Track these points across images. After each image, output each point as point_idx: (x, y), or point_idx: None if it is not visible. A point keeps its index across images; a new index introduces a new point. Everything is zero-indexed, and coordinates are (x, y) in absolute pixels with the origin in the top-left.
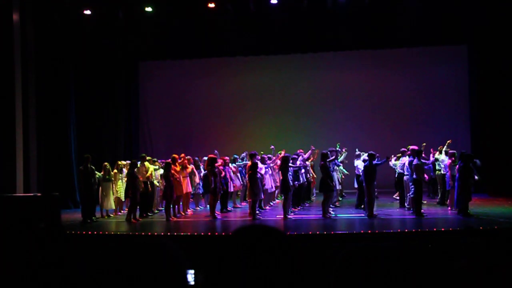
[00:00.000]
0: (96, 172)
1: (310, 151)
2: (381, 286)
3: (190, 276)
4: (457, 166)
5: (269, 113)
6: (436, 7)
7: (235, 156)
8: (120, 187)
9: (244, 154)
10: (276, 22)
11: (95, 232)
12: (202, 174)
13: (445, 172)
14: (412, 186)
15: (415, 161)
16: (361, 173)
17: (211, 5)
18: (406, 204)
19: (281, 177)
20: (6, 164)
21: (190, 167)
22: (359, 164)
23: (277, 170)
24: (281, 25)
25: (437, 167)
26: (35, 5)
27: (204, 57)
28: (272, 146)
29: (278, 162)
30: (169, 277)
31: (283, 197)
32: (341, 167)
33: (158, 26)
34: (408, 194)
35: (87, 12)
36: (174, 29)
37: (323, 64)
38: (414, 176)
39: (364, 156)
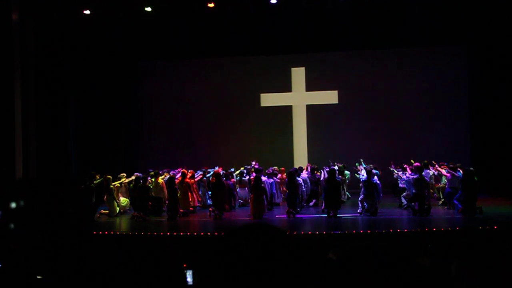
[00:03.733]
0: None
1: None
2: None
3: (189, 277)
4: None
5: (270, 113)
6: (436, 7)
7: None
8: (124, 201)
9: (253, 163)
10: (276, 22)
11: (94, 232)
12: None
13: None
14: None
15: (417, 176)
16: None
17: (211, 5)
18: (403, 202)
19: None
20: (6, 165)
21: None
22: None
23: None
24: (281, 25)
25: (442, 181)
26: (35, 5)
27: (205, 57)
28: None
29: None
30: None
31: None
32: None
33: (157, 26)
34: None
35: (87, 12)
36: (173, 29)
37: (322, 64)
38: (413, 190)
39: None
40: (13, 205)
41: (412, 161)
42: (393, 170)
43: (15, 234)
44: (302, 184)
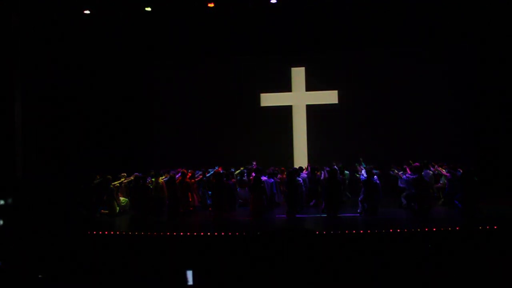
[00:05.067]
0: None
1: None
2: None
3: (190, 276)
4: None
5: (270, 113)
6: (438, 6)
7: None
8: (124, 201)
9: (254, 164)
10: (276, 22)
11: (94, 232)
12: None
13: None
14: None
15: (416, 176)
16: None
17: (211, 4)
18: (403, 202)
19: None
20: (6, 164)
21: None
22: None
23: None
24: (281, 24)
25: (442, 181)
26: (35, 5)
27: (204, 57)
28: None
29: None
30: None
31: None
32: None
33: (157, 26)
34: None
35: (87, 12)
36: (173, 29)
37: (322, 64)
38: (413, 190)
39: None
40: (1, 202)
41: (411, 161)
42: (393, 170)
43: (4, 231)
44: (302, 184)
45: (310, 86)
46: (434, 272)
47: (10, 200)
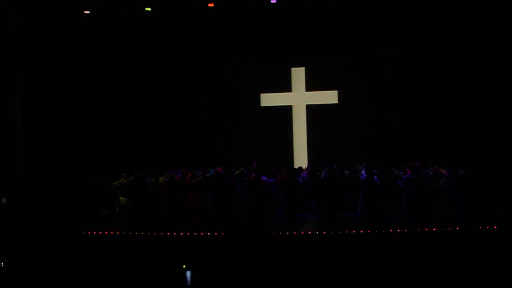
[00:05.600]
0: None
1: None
2: None
3: (190, 276)
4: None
5: (270, 113)
6: (437, 7)
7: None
8: (124, 200)
9: (254, 164)
10: (276, 22)
11: (94, 232)
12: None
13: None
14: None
15: (416, 176)
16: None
17: (211, 4)
18: (403, 201)
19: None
20: (6, 163)
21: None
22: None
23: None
24: (281, 24)
25: (440, 181)
26: (35, 5)
27: (204, 57)
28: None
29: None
30: None
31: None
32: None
33: (157, 26)
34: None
35: (87, 12)
36: (173, 29)
37: (322, 64)
38: (413, 190)
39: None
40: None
41: (411, 162)
42: (394, 171)
43: (4, 231)
44: (302, 184)
45: (310, 86)
46: (434, 272)
47: (10, 200)
